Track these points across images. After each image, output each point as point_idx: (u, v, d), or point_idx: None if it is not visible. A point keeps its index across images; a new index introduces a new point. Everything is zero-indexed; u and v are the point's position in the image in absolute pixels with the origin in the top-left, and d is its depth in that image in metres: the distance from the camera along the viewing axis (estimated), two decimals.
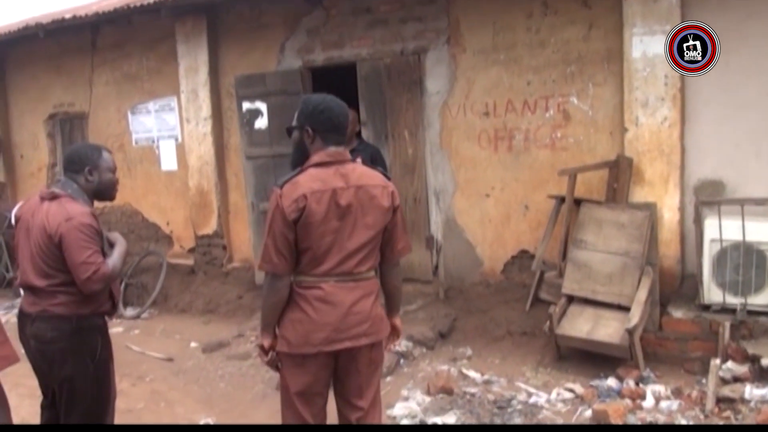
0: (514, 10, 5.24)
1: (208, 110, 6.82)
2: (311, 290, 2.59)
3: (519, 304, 5.29)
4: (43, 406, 3.13)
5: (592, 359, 4.58)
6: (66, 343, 2.87)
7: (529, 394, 4.32)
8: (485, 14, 5.36)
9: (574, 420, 3.93)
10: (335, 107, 2.68)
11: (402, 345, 5.23)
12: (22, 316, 2.97)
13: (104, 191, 3.08)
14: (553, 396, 4.25)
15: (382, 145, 6.08)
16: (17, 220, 3.05)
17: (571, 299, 4.76)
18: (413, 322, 5.62)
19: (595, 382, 4.32)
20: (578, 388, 4.26)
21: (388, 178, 2.75)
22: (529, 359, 4.84)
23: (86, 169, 2.98)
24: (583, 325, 4.53)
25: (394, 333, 2.99)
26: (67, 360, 2.90)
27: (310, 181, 2.56)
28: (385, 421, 4.14)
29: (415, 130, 5.94)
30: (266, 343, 2.68)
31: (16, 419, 3.02)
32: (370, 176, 2.68)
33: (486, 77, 5.43)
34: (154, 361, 5.46)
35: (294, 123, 2.71)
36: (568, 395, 4.23)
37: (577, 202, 4.96)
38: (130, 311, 6.92)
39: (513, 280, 5.48)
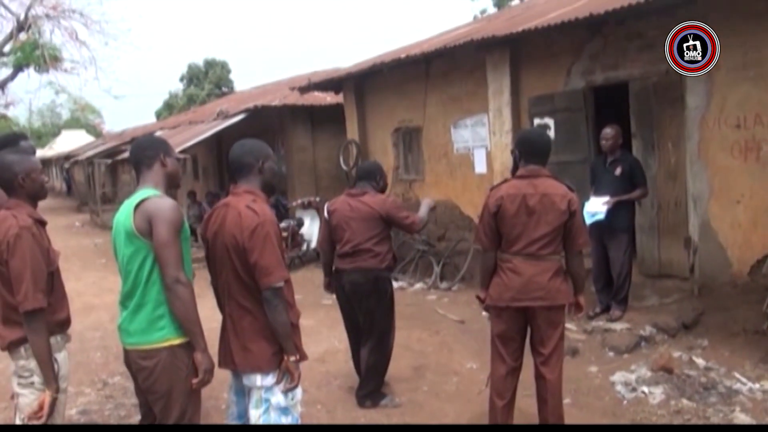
0: (761, 30, 5.58)
1: (509, 125, 8.26)
2: (506, 263, 3.78)
3: (759, 306, 5.63)
4: (348, 331, 5.06)
5: None
6: (370, 286, 4.70)
7: (737, 382, 4.89)
8: (736, 35, 5.76)
9: (760, 408, 4.47)
10: (534, 138, 3.93)
11: (646, 330, 6.09)
12: (339, 272, 4.86)
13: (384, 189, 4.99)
14: (757, 386, 4.77)
15: (649, 154, 6.85)
16: (331, 212, 4.86)
17: None
18: (663, 312, 6.39)
19: None
20: None
21: (572, 190, 3.75)
22: (755, 355, 5.27)
23: (377, 177, 4.94)
24: None
25: (578, 308, 3.95)
26: (369, 298, 4.73)
27: (508, 187, 3.78)
28: (603, 385, 5.19)
29: (677, 141, 6.57)
30: (481, 296, 3.98)
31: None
32: (555, 187, 3.71)
33: (737, 93, 5.84)
34: (450, 322, 7.19)
35: (512, 148, 4.09)
36: None
37: None
38: (444, 284, 8.81)
39: (758, 282, 5.82)
